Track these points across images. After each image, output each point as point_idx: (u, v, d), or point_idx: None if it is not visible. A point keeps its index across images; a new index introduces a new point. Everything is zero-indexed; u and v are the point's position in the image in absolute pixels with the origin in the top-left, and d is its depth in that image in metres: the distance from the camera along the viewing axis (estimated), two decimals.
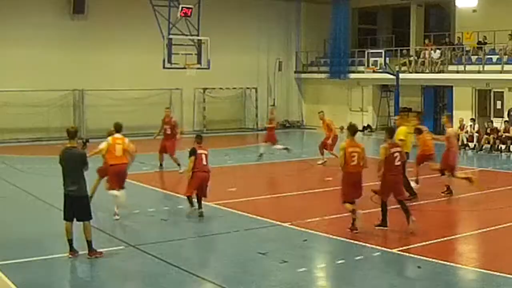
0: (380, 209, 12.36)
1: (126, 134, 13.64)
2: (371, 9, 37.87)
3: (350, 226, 12.02)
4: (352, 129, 12.46)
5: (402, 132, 15.06)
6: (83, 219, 10.34)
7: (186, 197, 13.45)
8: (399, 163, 12.11)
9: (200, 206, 13.30)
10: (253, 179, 17.69)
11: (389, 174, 12.06)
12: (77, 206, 10.31)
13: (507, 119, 25.56)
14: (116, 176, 13.03)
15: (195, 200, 13.35)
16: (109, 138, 13.31)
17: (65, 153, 10.45)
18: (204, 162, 13.27)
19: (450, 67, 29.04)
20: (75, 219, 10.38)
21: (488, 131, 24.64)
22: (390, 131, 12.65)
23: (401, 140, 14.35)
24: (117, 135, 13.34)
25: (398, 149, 12.28)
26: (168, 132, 19.51)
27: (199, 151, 13.27)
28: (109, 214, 12.93)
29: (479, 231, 12.31)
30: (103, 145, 13.24)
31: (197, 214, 13.19)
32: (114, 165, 13.01)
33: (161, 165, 19.50)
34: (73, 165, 10.33)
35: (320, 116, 21.53)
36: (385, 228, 12.17)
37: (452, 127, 16.77)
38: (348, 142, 12.18)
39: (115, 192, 12.99)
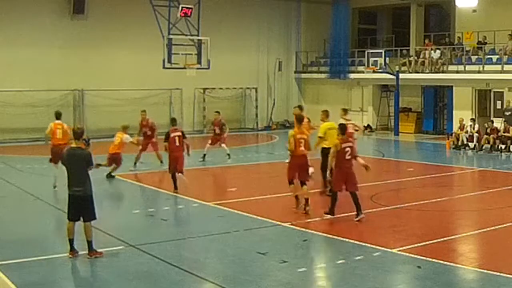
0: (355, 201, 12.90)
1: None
2: (371, 9, 37.87)
3: (294, 206, 13.67)
4: (299, 118, 13.90)
5: (321, 128, 15.18)
6: (89, 219, 10.35)
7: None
8: (349, 157, 12.93)
9: (175, 185, 15.97)
10: (253, 179, 17.69)
11: (340, 167, 12.87)
12: (82, 206, 10.31)
13: (505, 118, 25.53)
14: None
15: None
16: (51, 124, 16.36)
17: (70, 153, 10.42)
18: (177, 144, 15.89)
19: (450, 67, 29.05)
20: (77, 219, 10.38)
21: (488, 131, 24.63)
22: (342, 128, 13.28)
23: (320, 137, 14.91)
24: (57, 121, 16.34)
25: (349, 144, 13.11)
26: (149, 133, 20.18)
27: (172, 135, 15.94)
28: (109, 214, 12.94)
29: (479, 231, 12.30)
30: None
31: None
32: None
33: (135, 164, 19.67)
34: (78, 165, 10.31)
35: (322, 118, 21.15)
36: (332, 216, 12.96)
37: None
38: (296, 130, 13.65)
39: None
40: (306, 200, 13.56)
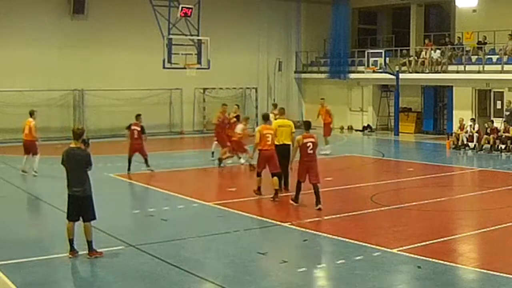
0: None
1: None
2: (371, 9, 37.87)
3: (255, 189, 15.17)
4: (265, 116, 15.72)
5: (273, 125, 15.63)
6: (89, 219, 10.35)
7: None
8: (311, 151, 14.00)
9: (129, 167, 18.89)
10: (253, 179, 17.64)
11: (303, 160, 13.99)
12: (82, 207, 10.31)
13: (505, 118, 25.53)
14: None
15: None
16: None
17: (69, 154, 10.42)
18: (136, 136, 18.89)
19: (450, 67, 29.04)
20: (77, 219, 10.38)
21: (488, 131, 24.63)
22: (306, 125, 14.66)
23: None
24: (30, 119, 18.76)
25: (311, 139, 14.12)
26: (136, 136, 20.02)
27: (132, 127, 19.01)
28: (109, 214, 12.93)
29: (479, 231, 12.30)
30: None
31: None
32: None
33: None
34: (77, 166, 10.31)
35: (322, 103, 23.94)
36: (296, 204, 14.16)
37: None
38: (263, 126, 15.19)
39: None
40: (276, 191, 14.75)
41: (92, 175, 10.65)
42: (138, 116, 19.57)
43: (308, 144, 13.93)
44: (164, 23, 25.56)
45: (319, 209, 13.59)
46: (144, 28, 28.01)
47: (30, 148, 18.73)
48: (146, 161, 19.31)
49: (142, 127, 19.37)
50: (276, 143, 15.28)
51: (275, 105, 21.73)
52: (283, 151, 15.34)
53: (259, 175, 15.27)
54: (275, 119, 16.76)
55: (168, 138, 30.03)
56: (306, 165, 13.94)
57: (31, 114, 19.14)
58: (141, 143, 19.15)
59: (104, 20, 29.49)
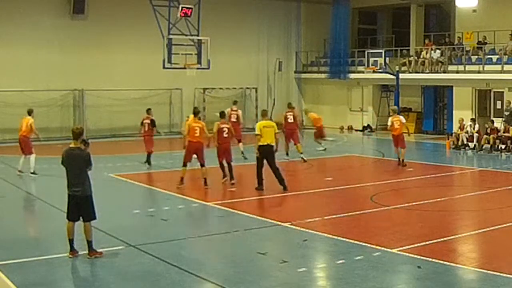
0: None
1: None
2: (371, 9, 37.86)
3: (179, 183, 16.49)
4: (195, 111, 17.30)
5: (257, 126, 16.28)
6: (89, 219, 10.35)
7: None
8: (227, 135, 16.64)
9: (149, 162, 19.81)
10: (253, 179, 17.65)
11: (221, 143, 16.63)
12: (82, 207, 10.30)
13: (505, 118, 25.52)
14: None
15: None
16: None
17: (68, 154, 10.41)
18: (146, 128, 20.08)
19: (450, 67, 29.03)
20: (77, 219, 10.38)
21: (488, 131, 24.62)
22: (222, 113, 17.52)
23: (257, 135, 16.09)
24: (28, 117, 18.84)
25: (226, 125, 16.97)
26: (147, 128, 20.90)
27: (144, 121, 20.19)
28: (109, 214, 12.93)
29: (479, 231, 12.30)
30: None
31: None
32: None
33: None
34: (77, 166, 10.30)
35: (307, 111, 26.33)
36: (224, 178, 16.79)
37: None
38: (192, 120, 16.70)
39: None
40: (205, 179, 16.50)
41: (92, 175, 10.65)
42: (148, 110, 20.62)
43: (224, 129, 16.66)
44: (164, 23, 25.56)
45: (233, 184, 16.68)
46: (144, 28, 27.99)
47: (24, 146, 18.73)
48: (148, 156, 19.82)
49: (152, 120, 20.25)
50: (261, 143, 15.92)
51: (234, 102, 24.88)
52: (267, 151, 15.92)
53: (185, 165, 16.55)
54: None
55: (168, 138, 30.00)
56: (223, 147, 16.58)
57: (30, 112, 19.21)
58: (151, 135, 20.05)
59: (104, 20, 29.49)
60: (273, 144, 16.16)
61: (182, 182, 16.62)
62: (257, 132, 16.08)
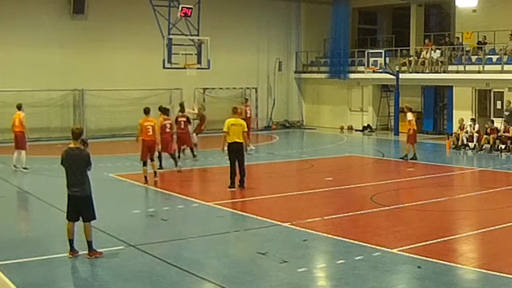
0: None
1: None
2: (371, 9, 37.88)
3: (144, 181, 17.05)
4: (146, 110, 17.62)
5: (225, 124, 16.31)
6: (89, 219, 10.35)
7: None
8: (169, 130, 18.60)
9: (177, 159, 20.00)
10: (253, 179, 17.70)
11: (163, 136, 18.24)
12: (82, 207, 10.31)
13: (505, 118, 25.51)
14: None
15: None
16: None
17: (68, 154, 10.40)
18: (182, 126, 20.47)
19: (450, 67, 29.03)
20: (77, 220, 10.38)
21: (488, 131, 24.62)
22: (164, 110, 19.01)
23: (224, 132, 16.23)
24: (19, 112, 19.61)
25: (169, 121, 18.84)
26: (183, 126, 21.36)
27: (179, 119, 20.44)
28: (109, 214, 12.94)
29: (479, 231, 12.30)
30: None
31: None
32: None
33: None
34: (76, 166, 10.30)
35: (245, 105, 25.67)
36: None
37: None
38: (144, 119, 17.36)
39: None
40: (155, 172, 17.38)
41: (92, 175, 10.65)
42: (181, 105, 21.38)
43: (167, 124, 18.59)
44: (164, 23, 25.55)
45: (180, 171, 18.73)
46: (144, 28, 27.99)
47: (20, 140, 19.33)
48: (180, 154, 20.46)
49: (187, 118, 20.87)
50: (229, 141, 16.12)
51: (202, 103, 26.63)
52: (235, 148, 16.05)
53: (145, 164, 17.14)
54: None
55: None
56: (164, 138, 18.36)
57: (19, 107, 19.97)
58: (187, 133, 20.75)
59: (104, 20, 29.48)
60: (241, 141, 16.20)
61: (146, 181, 17.02)
62: (224, 129, 16.19)
